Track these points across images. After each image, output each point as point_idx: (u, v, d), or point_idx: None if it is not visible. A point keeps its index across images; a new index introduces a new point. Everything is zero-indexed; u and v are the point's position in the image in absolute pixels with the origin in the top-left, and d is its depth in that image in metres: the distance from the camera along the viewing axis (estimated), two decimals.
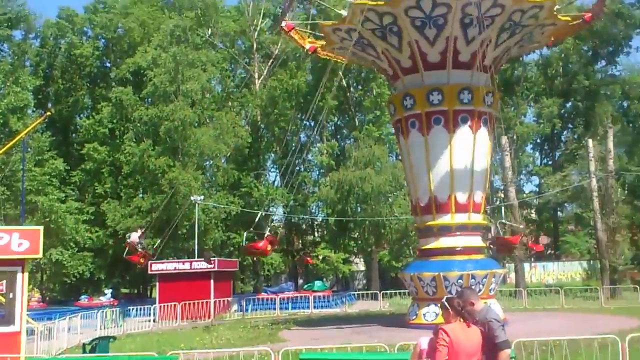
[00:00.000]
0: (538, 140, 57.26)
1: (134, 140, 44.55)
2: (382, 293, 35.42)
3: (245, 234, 22.37)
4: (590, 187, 36.15)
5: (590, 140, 37.06)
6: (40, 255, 13.10)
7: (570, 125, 55.37)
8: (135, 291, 57.23)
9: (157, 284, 33.11)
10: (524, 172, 55.01)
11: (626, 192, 45.28)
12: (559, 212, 56.85)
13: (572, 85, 51.66)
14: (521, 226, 22.11)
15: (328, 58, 25.20)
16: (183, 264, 33.13)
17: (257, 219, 24.35)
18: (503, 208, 42.36)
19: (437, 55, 20.45)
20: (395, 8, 18.96)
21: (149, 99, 46.61)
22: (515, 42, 21.36)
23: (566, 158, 51.67)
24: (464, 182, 21.11)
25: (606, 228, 35.66)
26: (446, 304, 6.14)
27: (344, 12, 21.52)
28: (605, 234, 35.49)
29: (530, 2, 19.12)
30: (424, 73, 20.95)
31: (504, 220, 21.45)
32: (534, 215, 57.14)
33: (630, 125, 50.60)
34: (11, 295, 12.46)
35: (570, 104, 54.02)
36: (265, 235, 21.08)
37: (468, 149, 21.03)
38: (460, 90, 20.78)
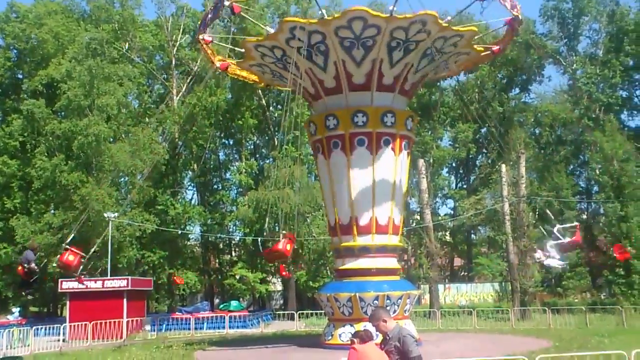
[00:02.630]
0: (454, 164, 59.09)
1: (46, 154, 42.97)
2: (299, 313, 35.48)
3: (260, 239, 21.35)
4: (503, 211, 37.54)
5: (503, 166, 38.42)
6: None
7: (484, 150, 57.28)
8: (45, 310, 54.81)
9: (68, 302, 31.90)
10: (439, 195, 56.44)
11: (537, 216, 47.20)
12: (472, 235, 58.51)
13: (487, 111, 53.70)
14: (575, 223, 22.29)
15: (238, 77, 25.09)
16: (95, 282, 32.06)
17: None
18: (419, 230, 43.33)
19: (362, 77, 20.73)
20: (326, 27, 19.14)
21: (62, 113, 45.18)
22: (433, 68, 22.10)
23: (480, 182, 53.27)
24: (385, 203, 21.46)
25: (517, 251, 36.97)
26: (354, 339, 7.00)
27: (269, 29, 21.59)
28: (516, 256, 36.85)
29: (453, 30, 19.83)
30: (348, 94, 21.17)
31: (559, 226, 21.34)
32: (448, 238, 58.65)
33: (542, 151, 52.44)
34: None
35: (484, 129, 56.03)
36: (282, 235, 19.88)
37: (390, 171, 21.40)
38: (384, 113, 21.16)
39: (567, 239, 21.42)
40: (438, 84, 46.81)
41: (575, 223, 22.56)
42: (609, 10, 51.97)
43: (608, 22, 51.90)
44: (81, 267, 20.33)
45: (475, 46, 21.84)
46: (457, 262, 64.11)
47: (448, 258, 61.35)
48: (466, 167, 59.22)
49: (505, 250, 40.34)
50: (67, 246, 19.66)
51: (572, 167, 53.96)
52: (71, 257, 19.51)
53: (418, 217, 48.32)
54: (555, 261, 20.06)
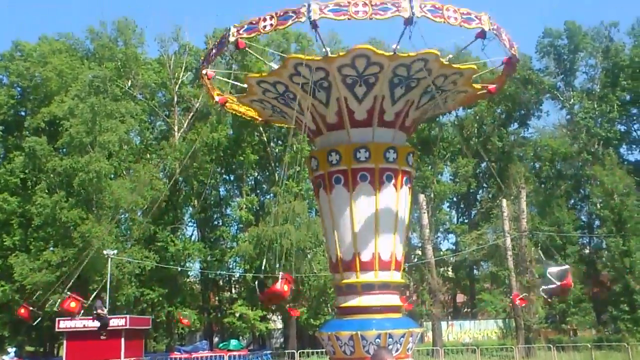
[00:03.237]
0: (454, 199, 59.07)
1: (47, 191, 42.94)
2: (300, 352, 35.09)
3: (257, 282, 21.02)
4: (505, 246, 37.39)
5: (504, 200, 38.41)
6: None
7: (485, 185, 57.31)
8: (42, 349, 54.17)
9: (65, 342, 31.59)
10: (440, 230, 56.31)
11: (539, 251, 46.91)
12: (475, 270, 58.17)
13: (486, 146, 53.95)
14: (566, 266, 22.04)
15: (235, 113, 25.26)
16: (93, 320, 31.67)
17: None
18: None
19: (364, 113, 20.83)
20: (329, 64, 19.33)
21: (64, 150, 45.32)
22: (433, 105, 22.26)
23: (482, 217, 53.19)
24: (387, 239, 21.36)
25: (520, 287, 36.73)
26: None
27: (273, 65, 21.77)
28: (519, 292, 36.60)
29: (454, 68, 20.02)
30: (350, 130, 21.31)
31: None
32: (450, 273, 58.31)
33: (542, 186, 52.59)
34: None
35: (484, 164, 56.19)
36: (281, 276, 19.20)
37: (392, 207, 21.38)
38: (386, 148, 21.24)
39: (558, 283, 21.23)
40: (437, 119, 47.07)
41: (567, 266, 22.29)
42: (604, 46, 52.64)
43: (603, 57, 52.52)
44: (82, 311, 20.76)
45: (473, 84, 22.05)
46: (460, 298, 63.61)
47: (450, 294, 60.84)
48: (467, 202, 59.20)
49: (508, 286, 40.09)
50: (68, 293, 20.07)
51: (572, 201, 54.01)
52: (73, 304, 20.03)
53: (420, 253, 48.15)
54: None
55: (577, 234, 49.10)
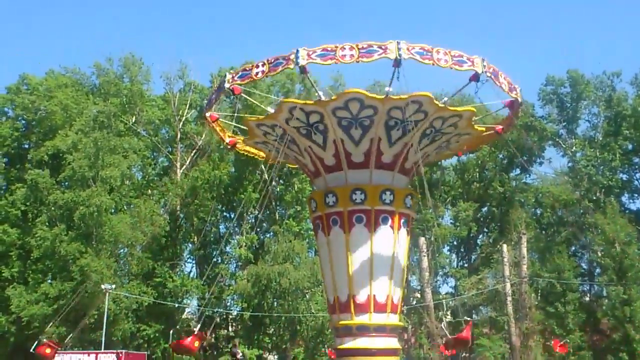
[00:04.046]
0: (455, 243, 58.80)
1: (47, 224, 43.02)
2: None
3: (172, 331, 21.74)
4: (505, 291, 37.09)
5: (504, 246, 38.23)
6: None
7: (485, 230, 57.05)
8: None
9: None
10: (440, 273, 55.99)
11: (539, 297, 46.59)
12: (474, 315, 57.64)
13: (487, 191, 53.88)
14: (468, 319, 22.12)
15: (246, 153, 25.51)
16: (89, 355, 31.50)
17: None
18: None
19: (361, 155, 20.97)
20: (323, 108, 19.54)
21: (66, 183, 45.53)
22: (434, 148, 22.37)
23: (482, 261, 52.81)
24: (383, 281, 21.29)
25: (520, 333, 36.33)
26: None
27: (269, 109, 22.05)
28: (518, 339, 36.19)
29: (451, 110, 20.19)
30: (347, 172, 21.40)
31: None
32: (449, 317, 57.76)
33: (543, 232, 52.20)
34: None
35: (485, 208, 56.04)
36: (194, 333, 20.74)
37: (388, 249, 21.33)
38: (382, 190, 21.28)
39: (454, 335, 21.04)
40: (439, 163, 47.22)
41: (468, 319, 22.35)
42: (607, 95, 53.02)
43: (606, 106, 52.83)
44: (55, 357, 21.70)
45: (476, 126, 22.17)
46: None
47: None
48: (467, 246, 58.87)
49: (507, 332, 39.68)
50: (44, 339, 20.86)
51: (573, 248, 53.66)
52: (48, 350, 21.08)
53: (418, 296, 47.80)
54: None
55: (577, 281, 48.72)
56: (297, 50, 18.04)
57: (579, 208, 50.42)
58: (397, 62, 17.57)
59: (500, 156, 55.12)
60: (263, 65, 19.02)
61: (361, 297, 21.17)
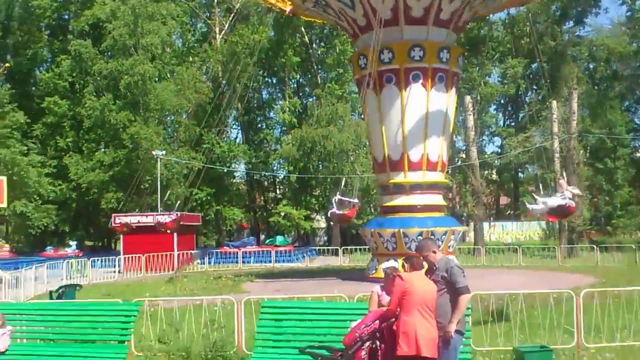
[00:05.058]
0: (502, 101, 57.70)
1: (95, 94, 43.74)
2: (343, 249, 35.97)
3: (333, 200, 22.41)
4: (553, 148, 36.60)
5: (554, 102, 37.24)
6: (5, 204, 13.07)
7: (534, 87, 55.52)
8: (100, 244, 57.02)
9: (122, 236, 33.01)
10: (486, 132, 55.50)
11: (588, 154, 45.99)
12: (520, 173, 57.62)
13: (538, 46, 51.59)
14: (355, 200, 22.41)
15: (310, 18, 25.20)
16: (146, 217, 33.01)
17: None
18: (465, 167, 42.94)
19: (421, 10, 20.28)
20: None
21: (109, 53, 45.65)
22: (484, 4, 21.43)
23: (529, 119, 51.92)
24: (436, 140, 21.32)
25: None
26: (406, 264, 6.55)
27: None
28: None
29: None
30: (404, 27, 20.79)
31: (340, 197, 21.96)
32: (494, 176, 57.94)
33: (596, 87, 50.70)
34: None
35: (535, 64, 54.11)
36: (353, 204, 21.98)
37: (421, 107, 21.12)
38: (411, 47, 20.75)
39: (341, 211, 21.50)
40: (487, 18, 45.27)
41: (355, 201, 22.53)
42: None
43: None
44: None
45: None
46: (503, 200, 63.59)
47: (494, 196, 60.76)
48: (515, 104, 57.59)
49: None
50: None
51: (627, 103, 52.25)
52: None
53: (464, 155, 47.82)
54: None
55: (629, 136, 47.87)
56: None
57: (635, 61, 48.46)
58: None
59: (553, 8, 52.11)
60: None
61: (414, 156, 21.33)
